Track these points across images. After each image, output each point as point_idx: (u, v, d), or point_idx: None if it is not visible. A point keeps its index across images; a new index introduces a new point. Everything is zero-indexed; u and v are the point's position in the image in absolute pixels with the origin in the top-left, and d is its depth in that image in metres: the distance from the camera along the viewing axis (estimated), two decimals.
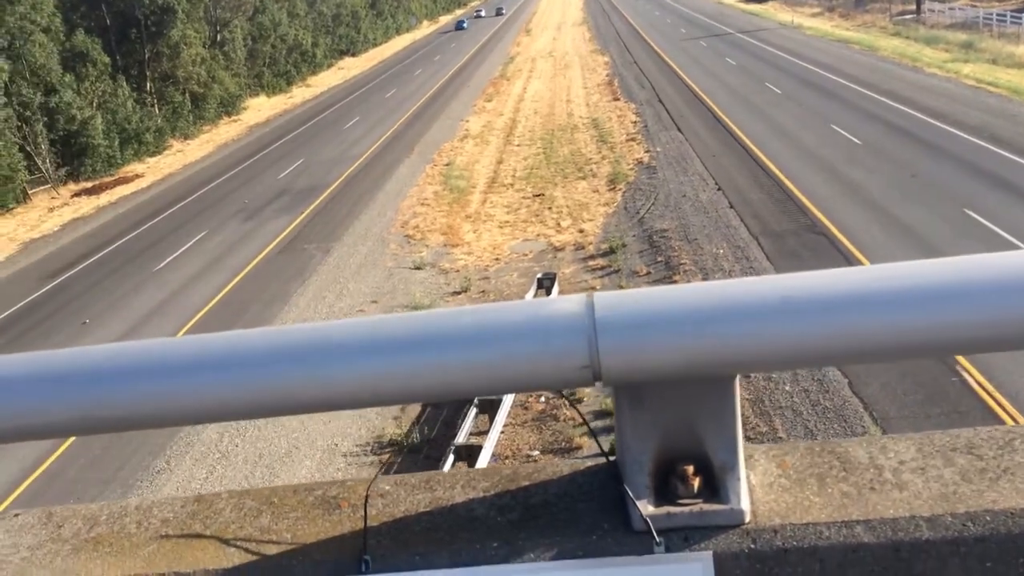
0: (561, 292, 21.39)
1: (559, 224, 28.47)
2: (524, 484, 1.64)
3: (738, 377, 1.49)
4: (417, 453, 15.60)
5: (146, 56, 54.28)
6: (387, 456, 15.75)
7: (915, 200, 23.70)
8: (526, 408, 16.51)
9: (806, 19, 74.72)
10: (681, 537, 1.43)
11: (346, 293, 24.47)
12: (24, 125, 41.69)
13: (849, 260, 20.39)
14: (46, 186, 43.48)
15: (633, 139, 38.67)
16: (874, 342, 1.38)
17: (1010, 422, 12.83)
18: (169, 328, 22.85)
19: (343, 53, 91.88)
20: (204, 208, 36.28)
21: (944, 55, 47.20)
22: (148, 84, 54.68)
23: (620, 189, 31.07)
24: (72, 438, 16.56)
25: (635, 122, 42.34)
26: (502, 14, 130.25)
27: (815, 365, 1.52)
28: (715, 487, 1.47)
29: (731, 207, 26.30)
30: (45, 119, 43.15)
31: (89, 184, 44.61)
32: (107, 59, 49.40)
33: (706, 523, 1.43)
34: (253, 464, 16.00)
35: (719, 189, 28.38)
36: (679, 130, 38.41)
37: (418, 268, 26.03)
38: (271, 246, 29.42)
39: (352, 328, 1.50)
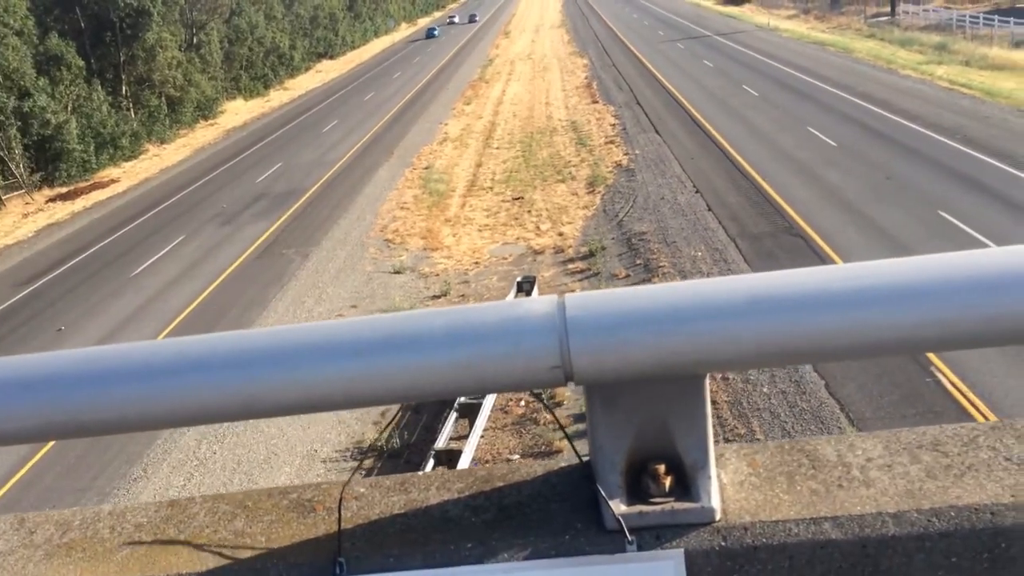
0: (541, 295, 21.40)
1: (538, 227, 28.52)
2: (498, 485, 1.65)
3: (708, 376, 1.51)
4: (397, 458, 15.56)
5: (121, 59, 53.80)
6: (368, 461, 15.70)
7: (890, 202, 23.95)
8: (506, 412, 16.51)
9: (782, 21, 75.34)
10: (653, 535, 1.45)
11: (325, 298, 24.38)
12: None
13: (825, 261, 20.56)
14: (20, 192, 42.96)
15: (612, 142, 38.81)
16: (841, 340, 1.40)
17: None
18: (146, 334, 22.65)
19: (321, 56, 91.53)
20: (181, 213, 36.01)
21: (918, 57, 47.75)
22: (124, 88, 54.19)
23: (599, 192, 31.17)
24: (48, 445, 16.38)
25: (614, 125, 42.50)
26: (475, 21, 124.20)
27: (784, 364, 1.54)
28: (686, 486, 1.48)
29: (709, 209, 26.46)
30: (18, 124, 42.64)
31: (64, 189, 44.13)
32: (81, 62, 48.91)
33: (677, 521, 1.45)
34: (231, 471, 15.90)
35: (697, 191, 28.54)
36: (657, 132, 38.59)
37: (398, 272, 25.98)
38: (249, 251, 29.25)
39: (326, 330, 1.50)
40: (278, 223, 32.26)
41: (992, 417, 13.08)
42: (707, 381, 1.51)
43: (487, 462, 14.73)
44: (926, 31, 56.04)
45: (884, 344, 1.41)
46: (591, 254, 24.82)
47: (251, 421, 16.99)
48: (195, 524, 1.65)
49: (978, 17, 53.86)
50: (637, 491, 1.50)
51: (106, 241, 33.27)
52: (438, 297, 23.48)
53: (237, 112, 64.58)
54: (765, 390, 15.28)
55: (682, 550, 1.43)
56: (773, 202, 25.85)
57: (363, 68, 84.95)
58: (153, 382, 1.47)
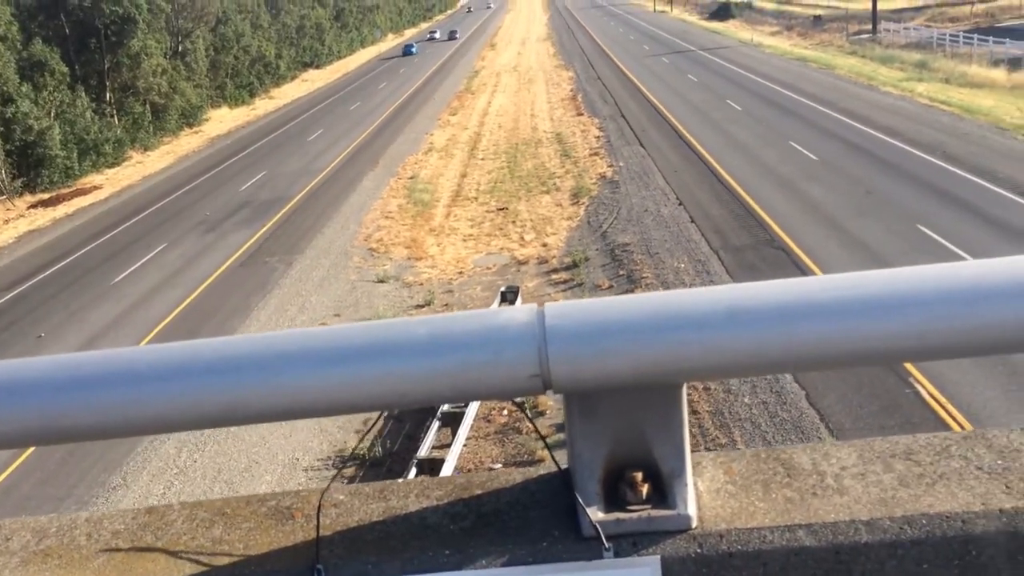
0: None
1: (523, 238, 28.57)
2: (477, 493, 1.66)
3: (685, 386, 1.53)
4: (379, 467, 15.50)
5: (106, 66, 53.52)
6: (350, 470, 15.62)
7: (870, 216, 24.17)
8: (489, 421, 16.50)
9: (766, 37, 76.00)
10: (630, 542, 1.46)
11: (308, 306, 24.29)
12: None
13: (806, 274, 20.58)
14: (1, 197, 42.59)
15: (596, 153, 38.97)
16: (818, 350, 1.42)
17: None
18: (127, 342, 22.48)
19: (307, 65, 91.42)
20: (163, 220, 35.80)
21: (899, 74, 48.29)
22: (108, 94, 53.89)
23: (583, 203, 31.27)
24: (26, 453, 16.21)
25: (598, 137, 42.69)
26: (455, 38, 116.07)
27: (761, 373, 1.57)
28: (663, 493, 1.50)
29: (692, 221, 26.60)
30: (1, 129, 42.32)
31: (46, 195, 43.76)
32: (65, 69, 48.60)
33: (654, 528, 1.46)
34: (212, 479, 15.78)
35: (680, 204, 28.69)
36: (641, 145, 38.79)
37: (381, 281, 25.93)
38: (232, 259, 29.11)
39: (309, 337, 1.51)
40: (262, 231, 32.14)
41: (969, 428, 13.20)
42: (684, 390, 1.52)
43: (469, 471, 14.70)
44: (907, 49, 56.70)
45: (859, 354, 1.44)
46: (575, 265, 24.89)
47: (232, 429, 16.87)
48: (173, 531, 1.65)
49: (958, 36, 54.58)
50: (615, 498, 1.51)
51: (87, 248, 33.02)
52: (422, 306, 23.46)
53: (222, 120, 64.37)
54: (746, 400, 15.35)
55: (659, 557, 1.44)
56: (755, 215, 26.02)
57: (349, 78, 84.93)
58: (135, 388, 1.48)
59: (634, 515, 1.47)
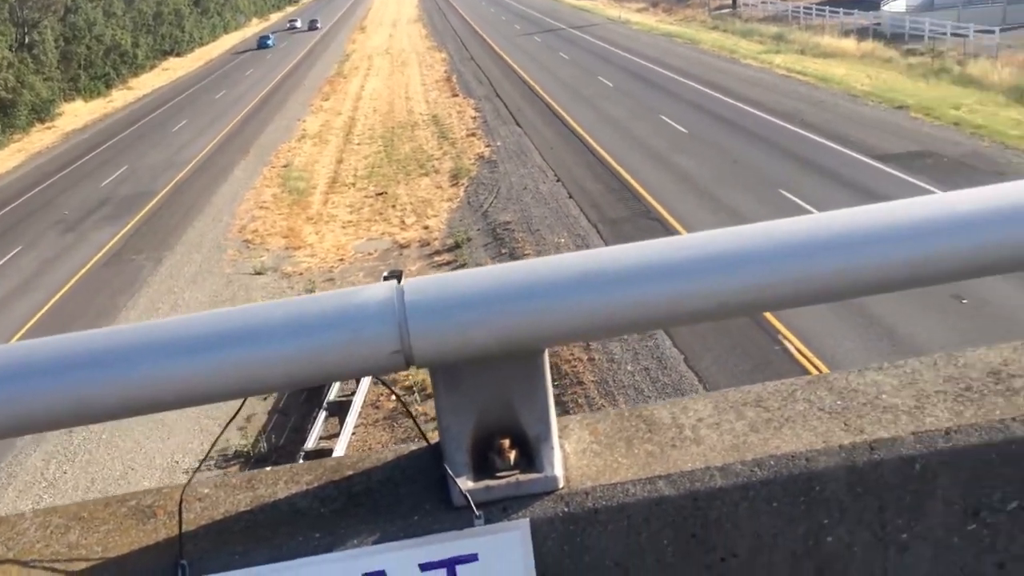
0: None
1: (403, 221, 28.36)
2: (348, 474, 1.65)
3: (547, 351, 1.56)
4: (266, 463, 15.15)
5: None
6: (234, 469, 15.21)
7: (737, 184, 25.17)
8: (377, 407, 16.38)
9: (632, 14, 77.64)
10: (500, 508, 1.48)
11: (181, 303, 23.41)
12: None
13: None
14: None
15: (473, 134, 39.00)
16: (668, 308, 1.48)
17: None
18: None
19: (167, 53, 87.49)
20: (17, 222, 33.63)
21: (759, 47, 50.29)
22: None
23: (463, 184, 31.28)
24: None
25: (475, 117, 42.71)
26: (317, 28, 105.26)
27: (618, 334, 1.62)
28: (531, 458, 1.53)
29: (570, 197, 27.02)
30: None
31: None
32: None
33: (522, 492, 1.49)
34: (85, 490, 15.06)
35: (558, 180, 29.09)
36: (518, 124, 39.06)
37: (259, 273, 25.24)
38: (95, 259, 27.70)
39: (159, 328, 1.47)
40: (127, 228, 30.69)
41: None
42: (546, 356, 1.55)
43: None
44: (765, 22, 59.09)
45: (709, 310, 1.50)
46: (457, 246, 24.91)
47: (104, 436, 16.18)
48: (25, 540, 1.58)
49: (811, 8, 57.24)
50: (484, 467, 1.53)
51: None
52: None
53: (77, 114, 60.93)
54: (629, 368, 15.79)
55: (528, 519, 1.47)
56: (631, 188, 26.67)
57: (213, 65, 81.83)
58: None
59: (503, 481, 1.50)
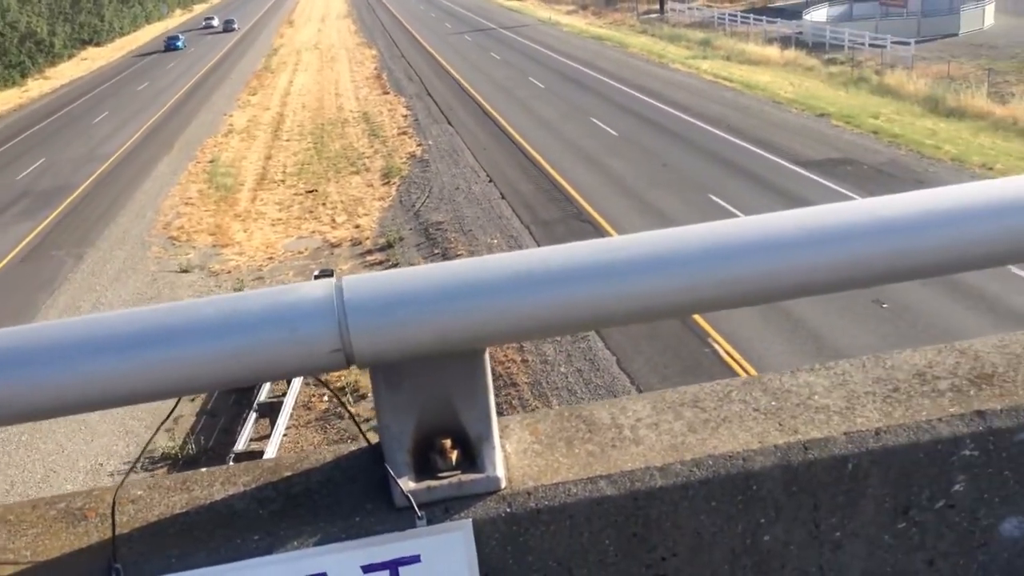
0: None
1: (334, 220, 28.01)
2: (287, 475, 1.63)
3: (487, 351, 1.57)
4: (194, 465, 14.79)
5: None
6: (162, 470, 14.81)
7: (666, 187, 25.59)
8: (309, 408, 16.15)
9: (562, 16, 78.20)
10: (442, 509, 1.48)
11: (104, 302, 22.68)
12: None
13: None
14: None
15: (405, 132, 38.75)
16: (607, 308, 1.50)
17: None
18: None
19: (86, 43, 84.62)
20: None
21: (686, 52, 51.20)
22: None
23: (394, 183, 31.05)
24: None
25: (406, 116, 42.44)
26: (233, 29, 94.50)
27: (556, 334, 1.63)
28: (472, 458, 1.53)
29: (503, 198, 27.08)
30: None
31: None
32: None
33: (465, 493, 1.49)
34: (4, 494, 14.48)
35: (491, 181, 29.12)
36: (449, 123, 38.96)
37: (185, 271, 24.62)
38: (11, 255, 26.64)
39: (82, 325, 1.42)
40: (45, 223, 29.59)
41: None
42: (487, 356, 1.56)
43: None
44: (692, 28, 60.20)
45: (645, 310, 1.53)
46: (389, 245, 24.72)
47: (23, 437, 15.58)
48: None
49: (736, 15, 58.54)
50: (426, 467, 1.53)
51: None
52: None
53: None
54: (562, 369, 15.91)
55: (470, 520, 1.48)
56: (562, 190, 26.86)
57: (135, 56, 79.42)
58: None
59: (444, 481, 1.50)
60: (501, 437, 1.61)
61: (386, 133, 39.19)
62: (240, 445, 14.11)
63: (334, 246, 25.60)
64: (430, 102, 44.61)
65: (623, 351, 16.14)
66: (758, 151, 28.20)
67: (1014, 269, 16.19)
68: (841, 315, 16.26)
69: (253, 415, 14.84)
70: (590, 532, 1.51)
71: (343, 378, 15.37)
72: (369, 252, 24.77)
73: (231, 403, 16.36)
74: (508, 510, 1.49)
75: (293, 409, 15.71)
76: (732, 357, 15.49)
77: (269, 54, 72.68)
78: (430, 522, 1.47)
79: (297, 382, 15.43)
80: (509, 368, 16.07)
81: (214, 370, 1.42)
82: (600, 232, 22.91)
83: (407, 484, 1.49)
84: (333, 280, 1.47)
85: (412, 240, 25.08)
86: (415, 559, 1.48)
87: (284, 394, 15.53)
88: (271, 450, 13.86)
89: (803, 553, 1.57)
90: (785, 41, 48.62)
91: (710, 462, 1.54)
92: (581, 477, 1.52)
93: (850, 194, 22.42)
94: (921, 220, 1.52)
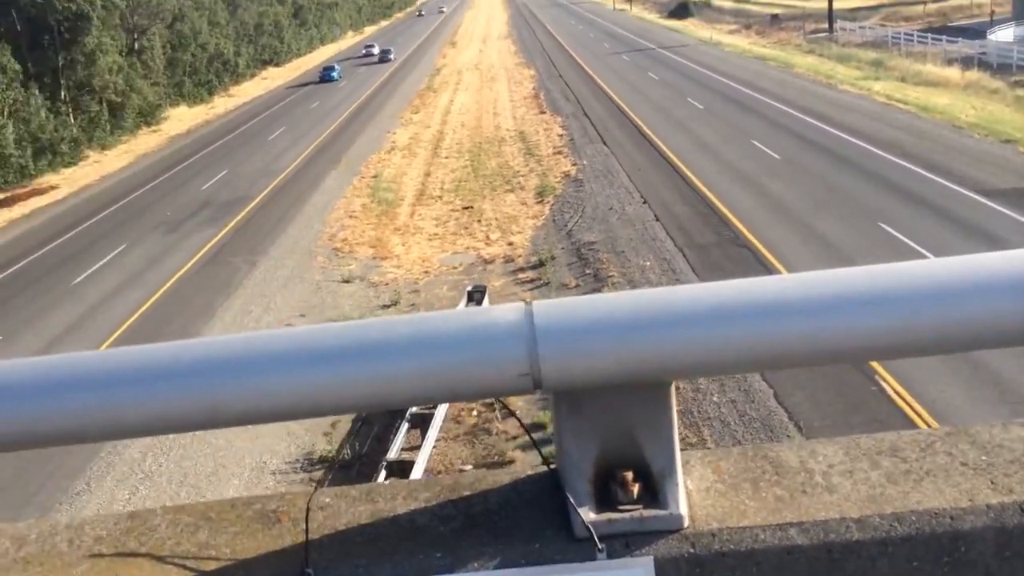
0: (492, 304, 21.42)
1: (488, 237, 28.55)
2: (465, 494, 1.65)
3: (674, 384, 1.53)
4: (348, 469, 15.39)
5: (60, 64, 52.45)
6: (319, 473, 15.49)
7: (832, 213, 24.52)
8: (458, 422, 16.46)
9: (724, 36, 76.74)
10: (622, 543, 1.46)
11: (273, 307, 24.05)
12: None
13: (771, 271, 20.95)
14: None
15: (560, 152, 39.07)
16: (804, 347, 1.43)
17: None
18: (87, 345, 22.04)
19: (266, 63, 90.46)
20: (123, 221, 35.20)
21: (856, 72, 49.04)
22: (63, 92, 52.82)
23: (548, 202, 31.33)
24: None
25: (561, 135, 42.79)
26: (389, 59, 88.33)
27: (748, 371, 1.58)
28: (654, 492, 1.50)
29: (657, 220, 26.78)
30: None
31: (0, 196, 42.83)
32: (18, 67, 47.54)
33: (646, 528, 1.46)
34: (178, 484, 15.55)
35: (645, 202, 28.87)
36: (605, 144, 38.96)
37: (347, 281, 25.75)
38: (194, 259, 28.72)
39: (292, 337, 1.50)
40: (224, 231, 31.75)
41: (935, 425, 13.44)
42: (673, 388, 1.53)
43: (439, 473, 14.66)
44: (863, 48, 57.61)
45: (844, 351, 1.45)
46: (541, 263, 24.93)
47: (198, 432, 16.65)
48: (157, 536, 1.62)
49: (912, 34, 55.57)
50: (605, 498, 1.51)
51: (45, 249, 32.35)
52: (388, 306, 23.34)
53: (181, 119, 63.46)
54: (715, 399, 15.49)
55: (651, 557, 1.44)
56: (719, 213, 26.28)
57: (309, 75, 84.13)
58: (115, 391, 1.45)
59: (626, 515, 1.47)
60: (683, 473, 1.57)
61: (541, 152, 39.64)
62: (392, 454, 14.54)
63: (487, 262, 26.07)
64: (586, 122, 44.80)
65: (781, 384, 15.52)
66: (935, 178, 26.57)
67: None
68: None
69: (405, 425, 15.25)
70: None
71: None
72: (521, 270, 25.07)
73: (385, 412, 16.93)
74: (691, 550, 1.45)
75: (443, 422, 16.07)
76: (902, 398, 14.55)
77: (432, 74, 75.22)
78: (610, 555, 1.45)
79: None
80: None
81: (405, 387, 1.47)
82: (758, 258, 22.21)
83: (587, 514, 1.48)
84: (523, 304, 1.48)
85: (564, 259, 25.19)
86: None
87: (435, 406, 15.91)
88: (421, 461, 14.20)
89: None
90: (966, 62, 45.70)
91: (913, 518, 1.44)
92: (770, 523, 1.46)
93: None
94: None
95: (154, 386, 1.45)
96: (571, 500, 1.49)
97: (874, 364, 15.36)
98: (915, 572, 1.43)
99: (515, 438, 15.46)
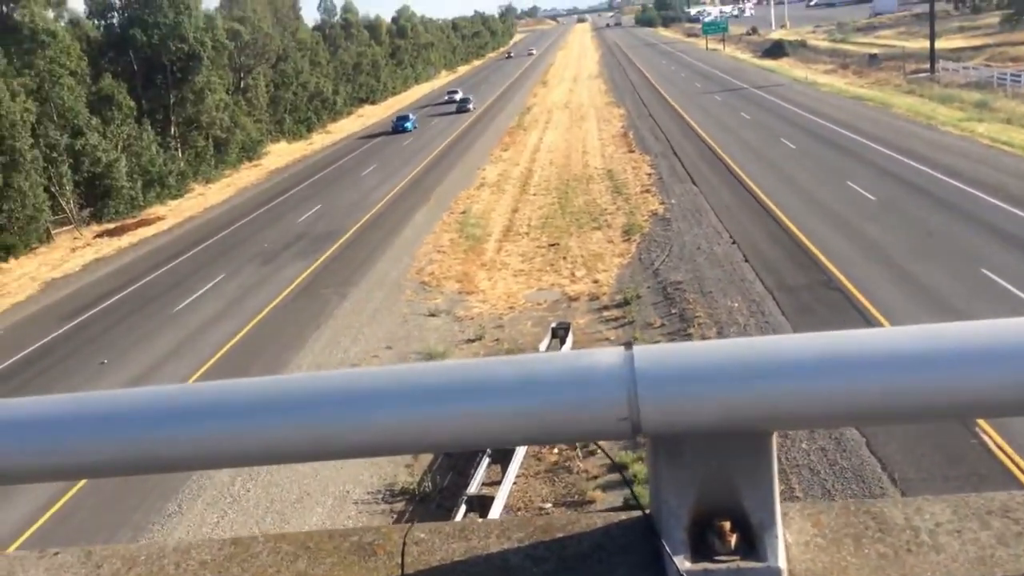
0: (575, 343, 21.35)
1: (573, 274, 28.54)
2: (558, 535, 1.66)
3: (775, 434, 1.52)
4: (429, 502, 15.47)
5: (171, 101, 55.29)
6: (399, 505, 15.62)
7: (931, 258, 23.65)
8: (539, 459, 16.39)
9: (820, 75, 75.40)
10: None
11: (361, 338, 24.52)
12: (50, 166, 42.36)
13: (865, 316, 20.30)
14: (69, 227, 44.03)
15: (648, 191, 38.91)
16: (912, 402, 1.40)
17: None
18: (185, 371, 22.89)
19: (363, 101, 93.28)
20: (223, 251, 36.62)
21: (959, 114, 47.44)
22: (172, 128, 55.61)
23: (635, 240, 31.18)
24: (81, 483, 16.52)
25: (650, 174, 42.64)
26: (468, 109, 79.99)
27: (852, 424, 1.55)
28: (752, 544, 1.48)
29: (746, 260, 26.32)
30: (71, 161, 43.86)
31: (111, 225, 45.16)
32: (132, 103, 50.34)
33: None
34: (264, 510, 15.90)
35: (734, 242, 28.44)
36: (693, 183, 38.63)
37: (433, 315, 26.08)
38: (288, 290, 29.60)
39: (398, 375, 1.54)
40: (317, 263, 32.65)
41: None
42: (774, 438, 1.51)
43: (519, 510, 14.59)
44: (966, 88, 55.73)
45: (952, 407, 1.41)
46: (626, 302, 24.75)
47: None
48: (258, 563, 1.68)
49: (1019, 75, 53.49)
50: (701, 547, 1.49)
51: (150, 277, 33.89)
52: (472, 341, 23.51)
53: (280, 154, 65.85)
54: (804, 446, 15.01)
55: None
56: (811, 255, 25.66)
57: (404, 113, 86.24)
58: (226, 421, 1.52)
59: (723, 566, 1.45)
60: (782, 525, 1.54)
61: (629, 191, 39.55)
62: (472, 488, 14.55)
63: (572, 300, 26.04)
64: (675, 161, 44.55)
65: (874, 434, 14.93)
66: None
67: None
68: None
69: (486, 460, 15.27)
70: None
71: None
72: (606, 308, 24.94)
73: None
74: None
75: (524, 458, 16.02)
76: (1005, 453, 13.80)
77: (523, 112, 76.14)
78: None
79: None
80: None
81: (505, 428, 1.49)
82: (851, 302, 21.55)
83: (683, 563, 1.46)
84: (622, 349, 1.49)
85: (649, 298, 24.96)
86: None
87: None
88: (501, 497, 14.17)
89: None
90: None
91: None
92: None
93: None
94: None
95: (270, 417, 1.51)
96: (666, 547, 1.48)
97: None
98: None
99: (596, 477, 15.29)
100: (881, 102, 55.40)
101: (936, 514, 1.57)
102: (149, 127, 51.80)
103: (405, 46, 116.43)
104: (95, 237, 43.29)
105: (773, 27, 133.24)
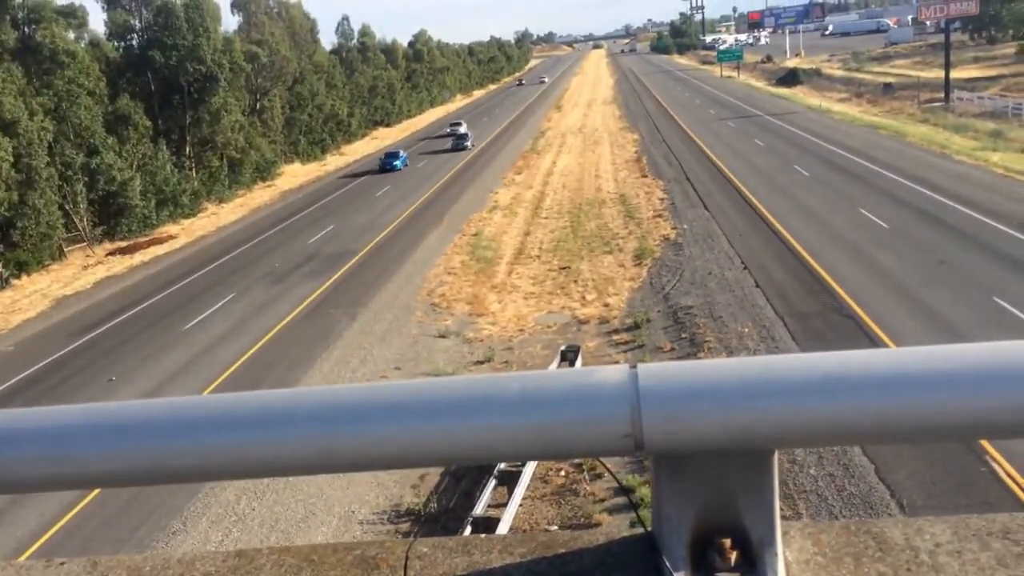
0: (585, 365, 21.31)
1: (584, 297, 28.54)
2: (560, 552, 1.66)
3: (777, 453, 1.52)
4: (434, 523, 15.41)
5: (187, 121, 55.83)
6: (405, 525, 15.56)
7: (943, 286, 23.56)
8: (546, 482, 16.32)
9: (834, 104, 75.52)
10: None
11: (370, 359, 24.54)
12: (65, 184, 42.77)
13: (876, 343, 20.20)
14: (82, 244, 44.37)
15: (660, 215, 38.96)
16: (915, 422, 1.40)
17: None
18: (193, 389, 22.96)
19: (377, 123, 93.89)
20: (234, 271, 36.80)
21: (973, 143, 47.38)
22: (187, 148, 56.11)
23: (646, 264, 31.18)
24: (92, 493, 16.55)
25: (662, 199, 42.70)
26: (465, 146, 71.29)
27: (855, 443, 1.56)
28: (752, 562, 1.48)
29: (757, 286, 26.27)
30: (85, 179, 44.27)
31: (124, 243, 45.47)
32: (149, 123, 50.86)
33: None
34: (269, 528, 15.87)
35: (745, 268, 28.40)
36: (706, 208, 38.66)
37: (442, 336, 26.09)
38: (298, 310, 29.69)
39: (406, 390, 1.56)
40: (328, 283, 32.75)
41: None
42: (776, 457, 1.52)
43: (525, 531, 14.52)
44: (981, 118, 55.71)
45: (960, 427, 1.42)
46: (636, 326, 24.72)
47: (291, 479, 16.98)
48: None
49: None
50: (702, 565, 1.50)
51: (160, 295, 34.07)
52: (482, 363, 23.50)
53: (294, 175, 66.27)
54: (812, 472, 14.91)
55: None
56: (822, 281, 25.60)
57: (417, 135, 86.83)
58: (239, 434, 1.54)
59: None
60: (782, 543, 1.54)
61: (641, 215, 39.61)
62: (478, 510, 14.50)
63: (582, 323, 26.02)
64: (688, 186, 44.62)
65: (883, 459, 14.84)
66: None
67: None
68: None
69: (493, 482, 15.22)
70: None
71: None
72: (616, 331, 24.91)
73: (474, 467, 16.94)
74: None
75: (530, 480, 15.95)
76: (1015, 481, 13.70)
77: (536, 136, 76.48)
78: None
79: None
80: None
81: (510, 442, 1.50)
82: (862, 328, 21.46)
83: None
84: (627, 366, 1.51)
85: (660, 322, 24.93)
86: None
87: (523, 464, 15.84)
88: (507, 519, 14.11)
89: None
90: None
91: None
92: None
93: None
94: None
95: (280, 430, 1.52)
96: (667, 564, 1.49)
97: (984, 443, 14.54)
98: None
99: (602, 500, 15.21)
100: (895, 131, 55.41)
101: (936, 534, 1.57)
102: (164, 147, 52.27)
103: (421, 69, 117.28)
104: (107, 255, 43.59)
105: (788, 55, 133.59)
